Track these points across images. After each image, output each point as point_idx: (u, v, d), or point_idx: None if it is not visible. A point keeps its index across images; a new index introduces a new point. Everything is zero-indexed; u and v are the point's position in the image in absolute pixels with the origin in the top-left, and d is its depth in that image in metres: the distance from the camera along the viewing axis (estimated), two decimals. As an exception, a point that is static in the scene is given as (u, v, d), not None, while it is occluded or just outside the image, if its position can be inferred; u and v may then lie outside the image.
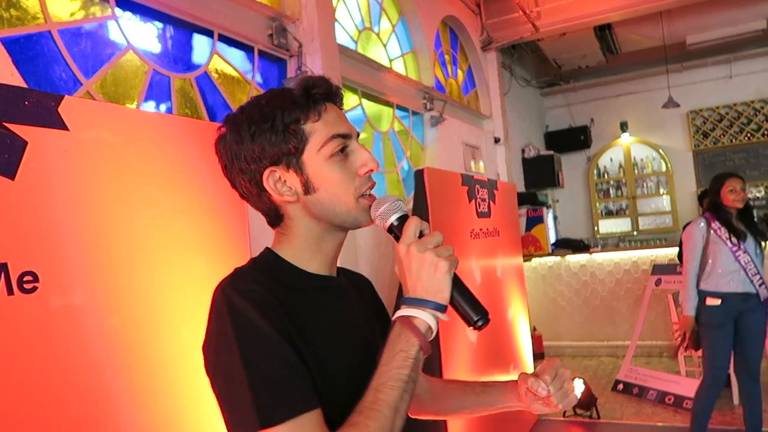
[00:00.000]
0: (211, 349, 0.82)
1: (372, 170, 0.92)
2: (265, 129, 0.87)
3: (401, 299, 0.87)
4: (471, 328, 0.86)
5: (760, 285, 3.16)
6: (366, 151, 0.93)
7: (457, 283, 0.86)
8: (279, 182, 0.89)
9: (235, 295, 0.81)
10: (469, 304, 0.86)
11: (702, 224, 3.24)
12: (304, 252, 0.93)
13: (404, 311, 0.85)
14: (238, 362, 0.76)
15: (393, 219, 0.89)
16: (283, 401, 0.76)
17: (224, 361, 0.79)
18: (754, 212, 3.34)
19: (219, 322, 0.80)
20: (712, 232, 3.20)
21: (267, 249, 0.96)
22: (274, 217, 0.94)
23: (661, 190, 8.34)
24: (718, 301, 3.18)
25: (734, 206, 3.17)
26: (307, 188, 0.89)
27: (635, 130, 8.36)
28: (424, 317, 0.83)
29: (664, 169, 8.31)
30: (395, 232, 0.89)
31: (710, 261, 3.20)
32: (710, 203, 3.29)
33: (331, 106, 0.91)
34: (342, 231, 0.96)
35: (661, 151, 8.29)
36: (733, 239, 3.14)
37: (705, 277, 3.23)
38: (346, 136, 0.90)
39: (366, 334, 1.00)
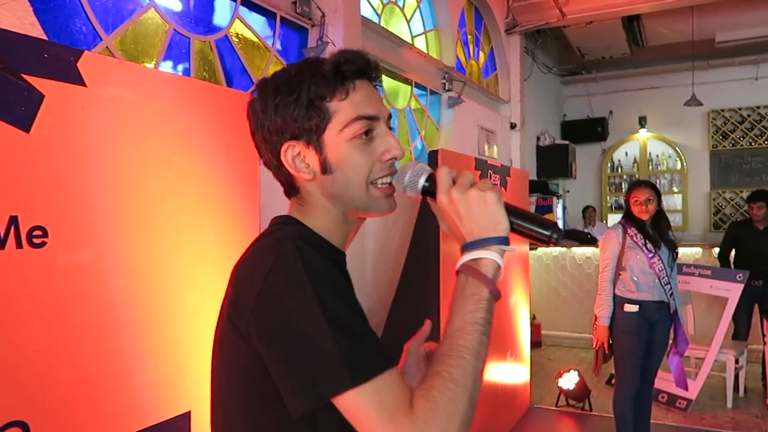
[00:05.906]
0: (270, 306, 0.74)
1: (395, 158, 0.88)
2: (289, 102, 0.85)
3: (463, 246, 0.83)
4: (546, 245, 0.84)
5: (670, 295, 3.18)
6: (392, 137, 0.89)
7: (511, 209, 0.82)
8: (298, 158, 0.87)
9: (309, 249, 0.77)
10: (534, 223, 0.83)
11: (619, 230, 3.25)
12: (326, 225, 0.90)
13: (466, 257, 0.81)
14: (318, 317, 0.71)
15: (422, 182, 0.87)
16: (373, 356, 0.72)
17: (295, 316, 0.72)
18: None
19: (286, 275, 0.74)
20: (628, 237, 3.20)
21: (288, 216, 0.92)
22: (291, 188, 0.92)
23: (674, 189, 8.26)
24: (635, 308, 3.16)
25: (639, 217, 3.18)
26: (324, 168, 0.86)
27: (653, 126, 8.25)
28: (490, 256, 0.80)
29: (679, 167, 8.23)
30: (430, 191, 0.87)
31: (627, 266, 3.20)
32: (624, 211, 3.31)
33: (363, 83, 0.87)
34: (359, 217, 0.93)
35: (677, 148, 8.19)
36: (649, 246, 3.15)
37: (621, 283, 3.23)
38: (372, 118, 0.87)
39: None
